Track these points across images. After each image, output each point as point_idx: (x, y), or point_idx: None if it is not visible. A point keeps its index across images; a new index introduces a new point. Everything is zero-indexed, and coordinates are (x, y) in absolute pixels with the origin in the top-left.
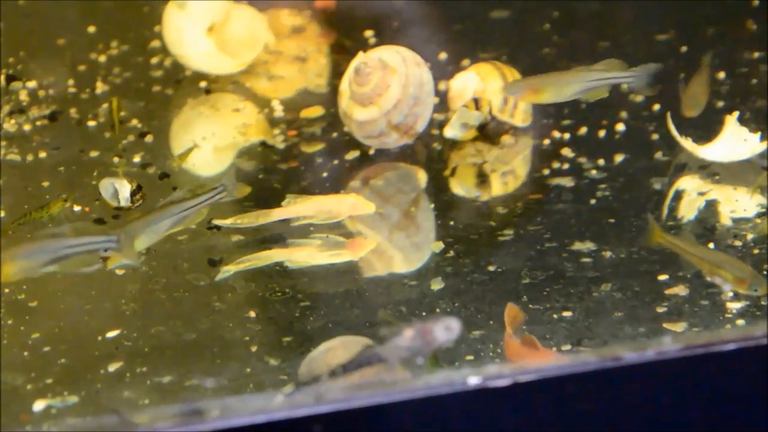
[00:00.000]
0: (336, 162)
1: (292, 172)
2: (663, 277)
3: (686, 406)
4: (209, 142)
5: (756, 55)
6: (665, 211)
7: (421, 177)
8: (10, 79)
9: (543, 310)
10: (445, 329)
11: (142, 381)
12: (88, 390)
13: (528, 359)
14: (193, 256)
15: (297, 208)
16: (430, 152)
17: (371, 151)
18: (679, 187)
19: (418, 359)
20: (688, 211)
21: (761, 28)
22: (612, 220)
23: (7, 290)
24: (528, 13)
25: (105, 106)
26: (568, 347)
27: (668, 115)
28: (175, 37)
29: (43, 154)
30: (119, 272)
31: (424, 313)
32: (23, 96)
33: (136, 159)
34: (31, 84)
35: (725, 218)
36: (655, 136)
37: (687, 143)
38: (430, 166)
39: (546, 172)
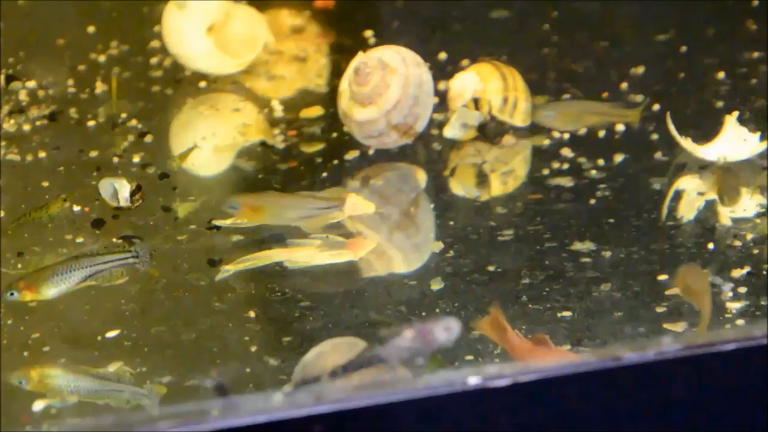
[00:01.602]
0: (336, 162)
1: (292, 172)
2: (663, 277)
3: (686, 406)
4: (209, 142)
5: (756, 55)
6: (665, 211)
7: (421, 177)
8: (9, 79)
9: (543, 310)
10: (445, 329)
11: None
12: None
13: (542, 358)
14: (193, 256)
15: None
16: (430, 152)
17: (371, 151)
18: (679, 187)
19: (418, 360)
20: (687, 211)
21: (761, 28)
22: (612, 220)
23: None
24: (528, 13)
25: (105, 106)
26: (567, 347)
27: (668, 115)
28: (174, 37)
29: (42, 154)
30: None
31: (423, 313)
32: (23, 96)
33: (136, 159)
34: (31, 84)
35: (725, 218)
36: (654, 136)
37: (687, 143)
38: (430, 166)
39: (546, 172)
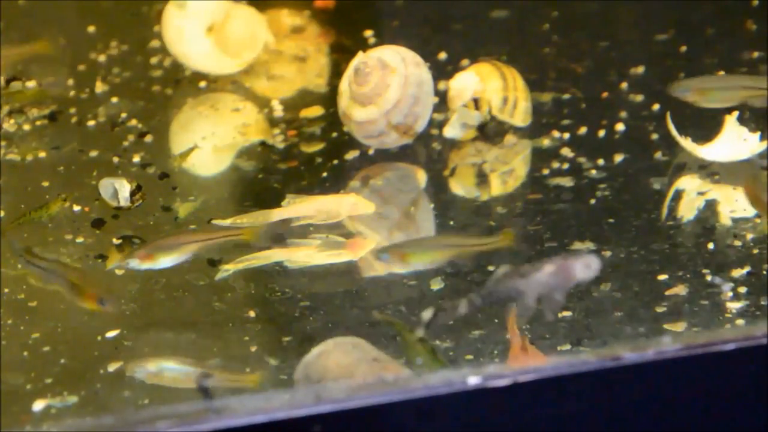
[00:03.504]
0: (336, 162)
1: (292, 172)
2: (663, 277)
3: (686, 406)
4: (209, 142)
5: (756, 55)
6: (665, 210)
7: (421, 177)
8: (10, 79)
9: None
10: (585, 266)
11: (142, 381)
12: (88, 390)
13: (534, 359)
14: (193, 256)
15: (297, 208)
16: (430, 152)
17: (371, 151)
18: (679, 187)
19: (554, 294)
20: (687, 210)
21: (761, 28)
22: (612, 220)
23: (7, 290)
24: (528, 13)
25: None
26: (567, 347)
27: (668, 115)
28: (174, 36)
29: (42, 154)
30: (119, 272)
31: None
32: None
33: (136, 159)
34: (31, 84)
35: (725, 218)
36: (654, 136)
37: (686, 143)
38: (430, 166)
39: (546, 172)
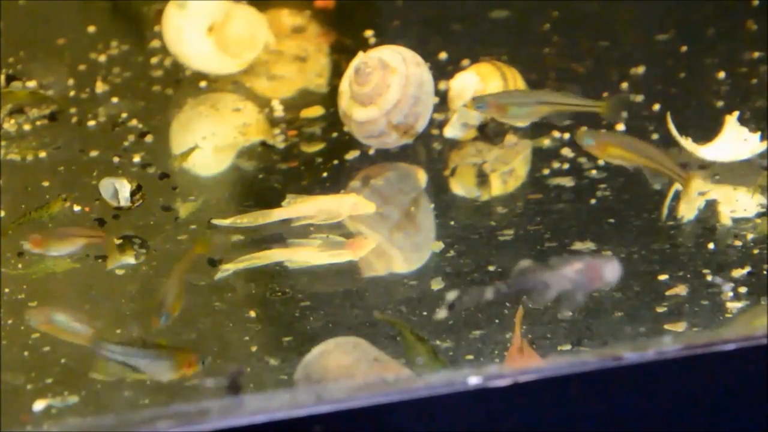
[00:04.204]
0: (336, 162)
1: (292, 172)
2: (663, 277)
3: (686, 406)
4: (209, 141)
5: (756, 55)
6: (665, 210)
7: (421, 177)
8: (10, 79)
9: (543, 310)
10: (611, 272)
11: (142, 381)
12: (88, 390)
13: (529, 360)
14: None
15: (297, 208)
16: (431, 152)
17: (371, 151)
18: (679, 187)
19: (576, 296)
20: (688, 210)
21: (761, 28)
22: (612, 220)
23: (7, 290)
24: (528, 13)
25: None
26: (567, 347)
27: (668, 115)
28: (175, 37)
29: (43, 154)
30: (119, 272)
31: (424, 313)
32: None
33: (136, 159)
34: (31, 84)
35: (725, 218)
36: (655, 136)
37: (687, 143)
38: (430, 166)
39: (546, 172)
